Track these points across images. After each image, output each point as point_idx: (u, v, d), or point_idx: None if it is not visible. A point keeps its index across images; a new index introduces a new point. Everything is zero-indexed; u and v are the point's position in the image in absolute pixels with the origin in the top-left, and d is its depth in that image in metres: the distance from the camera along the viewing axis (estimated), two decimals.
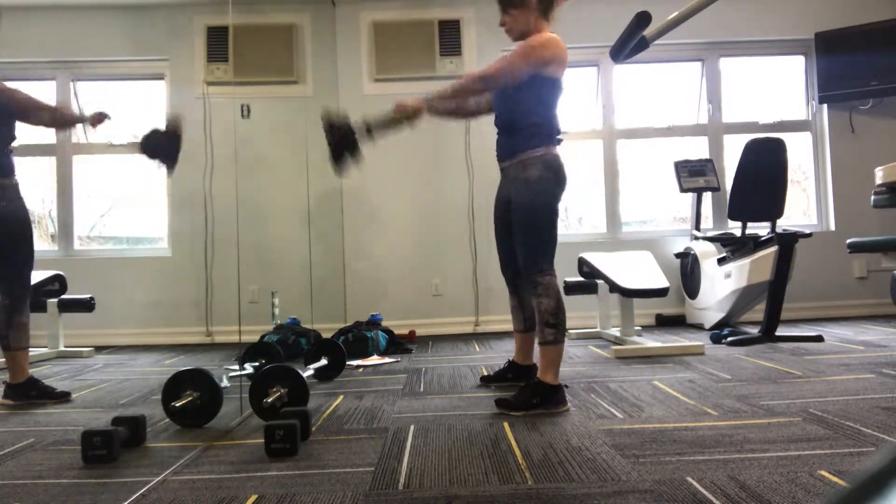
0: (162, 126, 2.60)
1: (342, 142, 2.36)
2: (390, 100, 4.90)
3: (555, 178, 2.37)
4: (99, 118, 2.70)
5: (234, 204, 3.69)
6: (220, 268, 4.33)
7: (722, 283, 4.06)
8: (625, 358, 3.32)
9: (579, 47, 4.82)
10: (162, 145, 2.53)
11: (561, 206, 2.44)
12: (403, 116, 2.40)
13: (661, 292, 3.55)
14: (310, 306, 4.31)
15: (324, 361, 3.06)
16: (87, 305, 3.96)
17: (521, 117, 2.41)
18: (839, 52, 4.73)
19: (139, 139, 2.55)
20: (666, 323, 4.67)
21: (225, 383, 2.35)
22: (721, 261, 4.17)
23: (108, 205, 4.26)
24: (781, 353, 3.29)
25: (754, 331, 3.80)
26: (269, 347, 3.34)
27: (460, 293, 4.75)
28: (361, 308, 4.59)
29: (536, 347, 2.40)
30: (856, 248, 3.43)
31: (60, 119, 3.03)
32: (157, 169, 2.57)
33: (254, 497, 1.52)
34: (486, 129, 4.44)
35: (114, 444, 1.82)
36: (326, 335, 3.81)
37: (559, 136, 2.44)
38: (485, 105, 2.69)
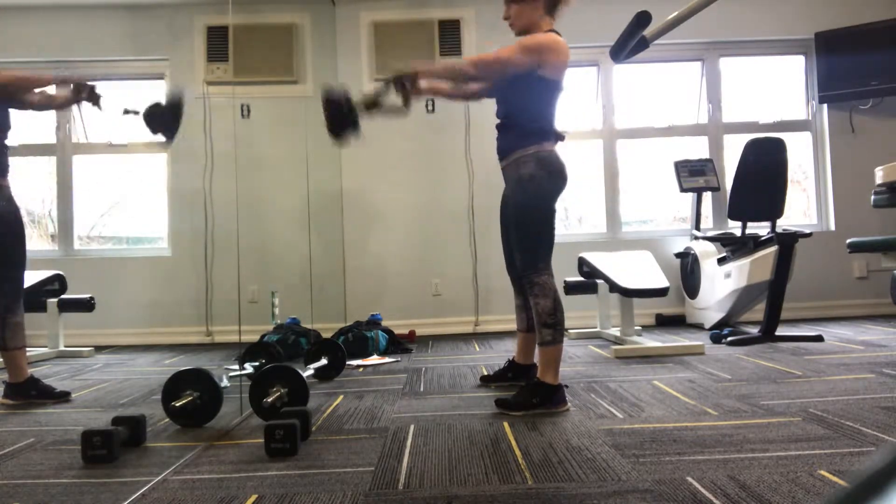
0: (163, 100, 2.61)
1: (340, 115, 2.35)
2: (390, 99, 4.89)
3: (548, 176, 2.35)
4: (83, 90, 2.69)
5: (235, 204, 3.68)
6: (220, 268, 4.32)
7: (722, 283, 4.05)
8: (625, 358, 3.32)
9: (579, 47, 4.81)
10: (163, 117, 2.54)
11: (560, 204, 2.42)
12: (396, 79, 2.34)
13: (661, 292, 3.55)
14: (310, 306, 4.30)
15: (324, 361, 3.06)
16: (87, 305, 3.95)
17: (517, 116, 2.41)
18: (839, 51, 4.73)
19: (141, 113, 2.55)
20: (666, 323, 4.67)
21: (225, 383, 2.35)
22: (721, 261, 4.17)
23: (108, 205, 4.26)
24: (781, 353, 3.29)
25: (754, 331, 3.80)
26: (269, 347, 3.34)
27: (460, 293, 4.75)
28: (361, 308, 4.59)
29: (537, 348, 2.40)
30: (856, 248, 3.43)
31: (52, 98, 2.98)
32: (156, 139, 2.57)
33: (254, 497, 1.52)
34: (486, 129, 4.44)
35: (114, 444, 1.81)
36: (326, 335, 3.81)
37: (560, 135, 2.43)
38: (485, 90, 2.68)
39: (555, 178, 2.37)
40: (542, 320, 2.31)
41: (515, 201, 2.39)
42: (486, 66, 2.37)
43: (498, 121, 2.52)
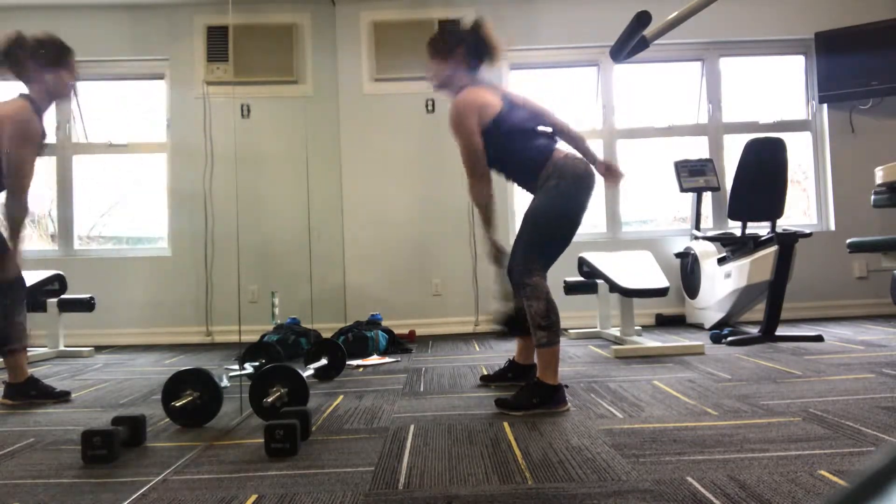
0: None
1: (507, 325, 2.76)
2: (390, 99, 4.90)
3: (572, 181, 2.36)
4: None
5: (235, 204, 3.69)
6: (220, 268, 4.33)
7: (722, 283, 4.05)
8: (625, 358, 3.32)
9: (579, 47, 4.82)
10: None
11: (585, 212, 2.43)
12: (497, 260, 2.63)
13: (661, 292, 3.55)
14: (310, 306, 4.30)
15: (324, 361, 3.06)
16: (87, 305, 3.96)
17: (512, 161, 2.46)
18: (839, 51, 4.73)
19: None
20: (666, 323, 4.67)
21: (225, 383, 2.35)
22: (721, 260, 4.17)
23: (108, 205, 4.26)
24: (781, 352, 3.29)
25: (754, 330, 3.80)
26: (269, 347, 3.34)
27: (460, 293, 4.75)
28: (361, 308, 4.59)
29: None
30: (856, 248, 3.43)
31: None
32: None
33: (254, 497, 1.52)
34: None
35: (114, 444, 1.81)
36: (326, 335, 3.81)
37: (552, 134, 2.47)
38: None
39: (580, 181, 2.38)
40: (536, 323, 2.30)
41: (537, 202, 2.40)
42: (474, 176, 2.47)
43: (507, 178, 2.57)
